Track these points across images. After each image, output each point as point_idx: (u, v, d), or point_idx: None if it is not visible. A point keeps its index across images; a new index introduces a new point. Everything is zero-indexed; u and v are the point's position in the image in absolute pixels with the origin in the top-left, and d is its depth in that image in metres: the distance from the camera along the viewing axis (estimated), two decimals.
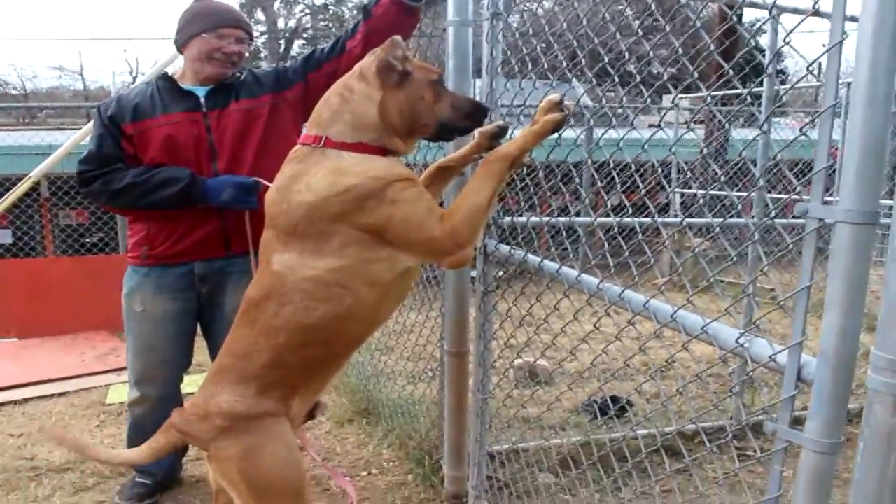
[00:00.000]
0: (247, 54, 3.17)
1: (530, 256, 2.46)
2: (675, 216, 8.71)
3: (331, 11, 31.67)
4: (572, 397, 4.07)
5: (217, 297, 3.13)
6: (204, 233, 3.04)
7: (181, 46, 3.07)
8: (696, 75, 1.79)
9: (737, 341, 1.58)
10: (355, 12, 29.33)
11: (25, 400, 4.90)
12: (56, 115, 19.34)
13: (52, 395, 4.98)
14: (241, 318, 2.21)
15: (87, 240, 8.96)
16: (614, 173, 2.09)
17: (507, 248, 2.62)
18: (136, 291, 3.14)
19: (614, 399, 4.00)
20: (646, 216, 2.35)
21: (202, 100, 3.02)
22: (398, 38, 2.13)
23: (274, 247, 2.14)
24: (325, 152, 2.10)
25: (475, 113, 2.23)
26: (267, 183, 2.56)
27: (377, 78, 2.11)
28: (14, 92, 31.42)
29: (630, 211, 2.13)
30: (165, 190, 2.90)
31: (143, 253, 3.10)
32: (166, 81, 3.07)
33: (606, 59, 2.12)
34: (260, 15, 30.23)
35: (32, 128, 12.05)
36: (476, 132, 2.33)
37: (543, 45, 2.58)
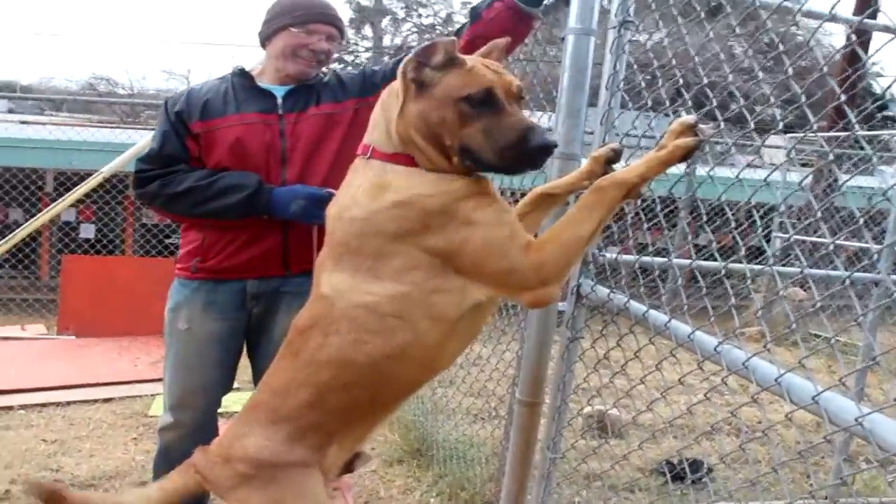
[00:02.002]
0: (336, 54, 2.86)
1: (633, 304, 2.06)
2: (772, 262, 8.12)
3: (437, 31, 31.79)
4: (644, 455, 3.62)
5: (267, 319, 2.81)
6: (263, 248, 2.72)
7: (265, 40, 2.78)
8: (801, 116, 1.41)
9: None
10: None
11: (69, 402, 4.75)
12: (156, 116, 19.69)
13: (97, 401, 4.80)
14: (285, 348, 1.89)
15: (168, 240, 8.95)
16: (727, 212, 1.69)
17: (607, 290, 2.22)
18: (183, 307, 2.83)
19: (693, 463, 3.51)
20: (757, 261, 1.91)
21: (279, 101, 2.72)
22: (446, 40, 1.70)
23: (325, 265, 1.82)
24: (370, 163, 1.79)
25: (516, 149, 1.65)
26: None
27: (400, 83, 1.74)
28: (122, 92, 32.02)
29: (723, 253, 1.73)
30: (228, 197, 2.60)
31: (194, 265, 2.79)
32: (242, 78, 2.78)
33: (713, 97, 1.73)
34: (367, 31, 30.43)
35: (124, 126, 12.19)
36: (589, 156, 1.95)
37: (649, 77, 2.19)
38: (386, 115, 1.79)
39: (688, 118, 1.78)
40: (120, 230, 9.10)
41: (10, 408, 4.59)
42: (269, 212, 2.60)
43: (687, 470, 3.32)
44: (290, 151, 2.68)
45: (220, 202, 2.60)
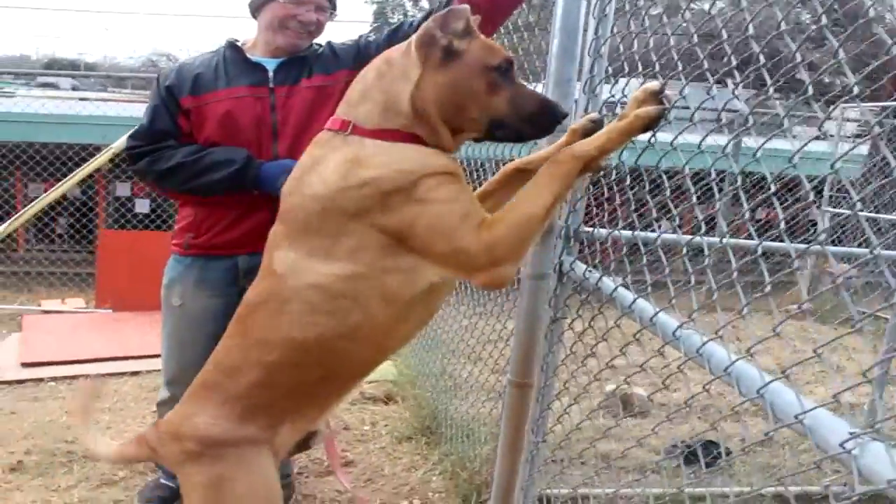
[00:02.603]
0: (327, 24, 2.81)
1: (605, 281, 1.96)
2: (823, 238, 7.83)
3: None
4: (664, 435, 3.52)
5: None
6: (253, 223, 2.69)
7: (255, 11, 2.75)
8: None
9: (842, 445, 1.08)
10: None
11: (98, 375, 4.79)
12: None
13: (125, 374, 4.87)
14: (234, 325, 1.89)
15: None
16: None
17: (584, 266, 2.13)
18: (176, 283, 2.87)
19: (708, 444, 3.39)
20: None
21: (270, 73, 2.68)
22: (464, 6, 1.68)
23: (279, 243, 1.79)
24: (347, 139, 1.72)
25: (541, 117, 1.73)
26: None
27: (418, 52, 1.68)
28: None
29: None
30: (216, 173, 2.59)
31: (187, 241, 2.81)
32: (233, 51, 2.75)
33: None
34: (425, 3, 30.24)
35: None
36: (568, 129, 1.86)
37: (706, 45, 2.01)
38: (388, 87, 1.72)
39: (652, 84, 1.70)
40: (174, 205, 9.26)
41: (40, 380, 4.71)
42: (258, 186, 2.59)
43: (699, 452, 3.23)
44: (281, 125, 2.66)
45: (209, 177, 2.60)
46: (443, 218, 1.64)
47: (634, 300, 1.79)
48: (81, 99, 12.40)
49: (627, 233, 2.02)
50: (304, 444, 2.02)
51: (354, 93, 1.80)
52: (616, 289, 1.89)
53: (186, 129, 2.68)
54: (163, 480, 3.04)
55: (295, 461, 3.33)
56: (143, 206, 9.21)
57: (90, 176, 8.32)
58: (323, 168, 1.72)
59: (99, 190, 9.31)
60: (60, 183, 4.09)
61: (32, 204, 3.85)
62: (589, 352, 2.10)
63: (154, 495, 3.02)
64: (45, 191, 8.70)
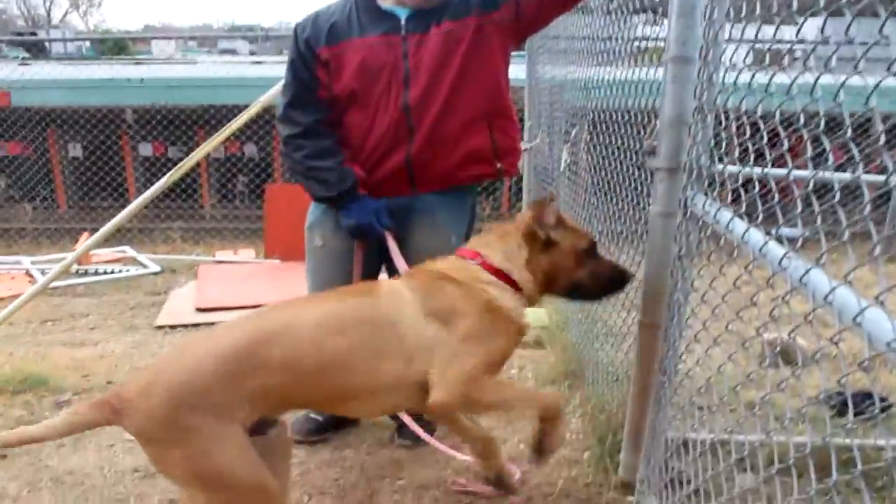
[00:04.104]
0: None
1: (723, 213, 1.86)
2: None
3: None
4: (818, 385, 3.31)
5: (400, 234, 2.85)
6: (386, 171, 2.80)
7: None
8: None
9: None
10: None
11: None
12: None
13: None
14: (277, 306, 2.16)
15: None
16: None
17: (704, 199, 2.03)
18: (317, 225, 2.99)
19: (863, 395, 3.13)
20: None
21: (402, 22, 2.73)
22: (553, 206, 2.23)
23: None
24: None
25: (612, 283, 2.34)
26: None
27: (524, 240, 2.23)
28: None
29: None
30: (317, 186, 2.82)
31: None
32: (365, 0, 2.81)
33: None
34: None
35: None
36: None
37: None
38: (509, 253, 2.23)
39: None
40: None
41: (212, 324, 5.04)
42: (341, 214, 2.84)
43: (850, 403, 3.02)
44: (413, 72, 2.70)
45: (310, 185, 2.85)
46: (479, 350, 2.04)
47: (746, 230, 1.70)
48: (254, 63, 13.11)
49: (757, 170, 1.88)
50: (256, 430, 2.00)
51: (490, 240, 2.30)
52: (732, 219, 1.80)
53: (325, 80, 2.78)
54: (312, 415, 3.23)
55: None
56: None
57: (266, 138, 8.72)
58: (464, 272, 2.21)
59: (275, 149, 9.79)
60: (211, 139, 4.31)
61: (191, 155, 4.09)
62: (708, 288, 2.01)
63: (303, 427, 3.20)
64: (224, 150, 9.31)
